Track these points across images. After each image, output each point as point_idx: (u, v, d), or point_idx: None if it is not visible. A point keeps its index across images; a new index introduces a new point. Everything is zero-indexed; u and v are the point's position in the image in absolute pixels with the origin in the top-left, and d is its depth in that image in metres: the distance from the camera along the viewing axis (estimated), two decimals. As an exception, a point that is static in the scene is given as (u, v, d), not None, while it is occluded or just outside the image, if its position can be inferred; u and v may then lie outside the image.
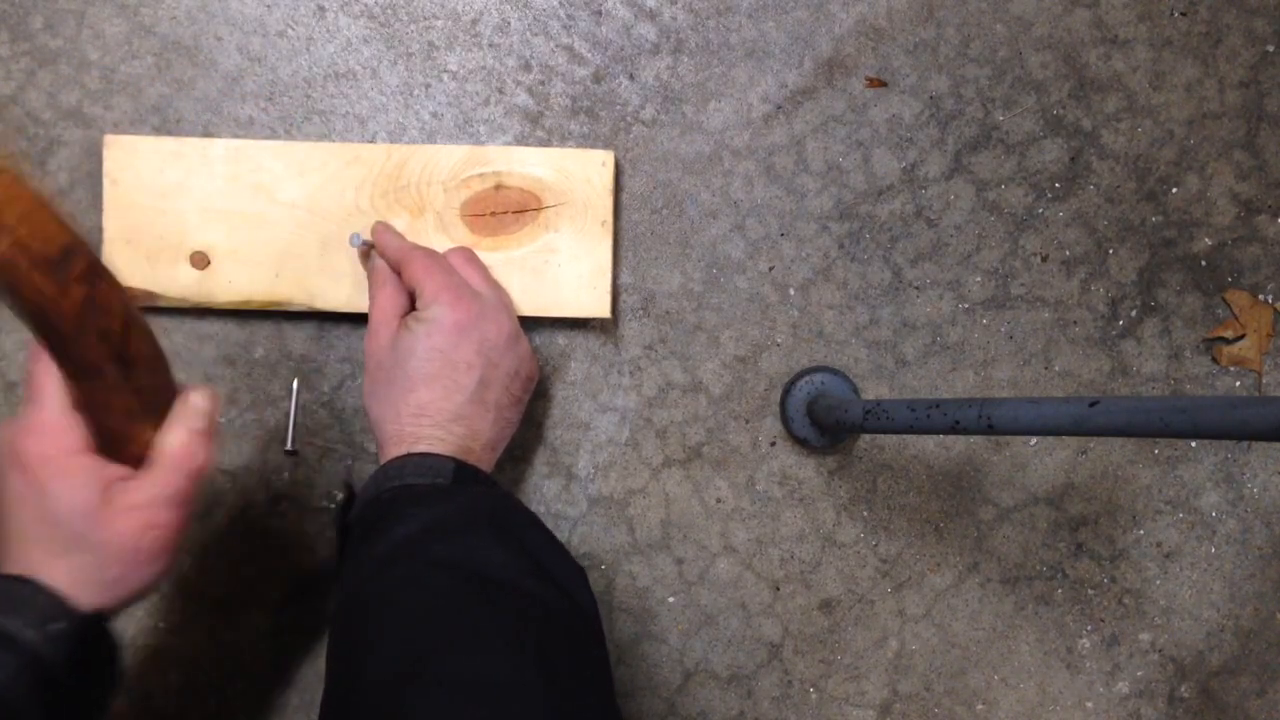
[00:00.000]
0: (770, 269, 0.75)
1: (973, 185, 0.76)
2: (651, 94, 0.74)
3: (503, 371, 0.62)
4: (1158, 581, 0.78)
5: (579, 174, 0.69)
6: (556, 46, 0.73)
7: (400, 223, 0.68)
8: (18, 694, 0.44)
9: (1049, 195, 0.76)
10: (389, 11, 0.73)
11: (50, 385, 0.49)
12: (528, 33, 0.73)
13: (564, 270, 0.70)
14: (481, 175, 0.69)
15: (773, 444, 0.75)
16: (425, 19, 0.73)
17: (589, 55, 0.74)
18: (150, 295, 0.68)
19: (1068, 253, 0.76)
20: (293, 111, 0.72)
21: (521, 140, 0.73)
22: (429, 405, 0.59)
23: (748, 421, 0.75)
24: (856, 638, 0.76)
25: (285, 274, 0.69)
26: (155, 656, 0.72)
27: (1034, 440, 0.77)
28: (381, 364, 0.62)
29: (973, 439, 0.76)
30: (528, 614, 0.48)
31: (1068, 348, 0.76)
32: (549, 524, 0.73)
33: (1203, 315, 0.77)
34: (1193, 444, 0.78)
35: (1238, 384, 0.78)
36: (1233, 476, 0.78)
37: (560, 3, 0.73)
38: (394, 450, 0.59)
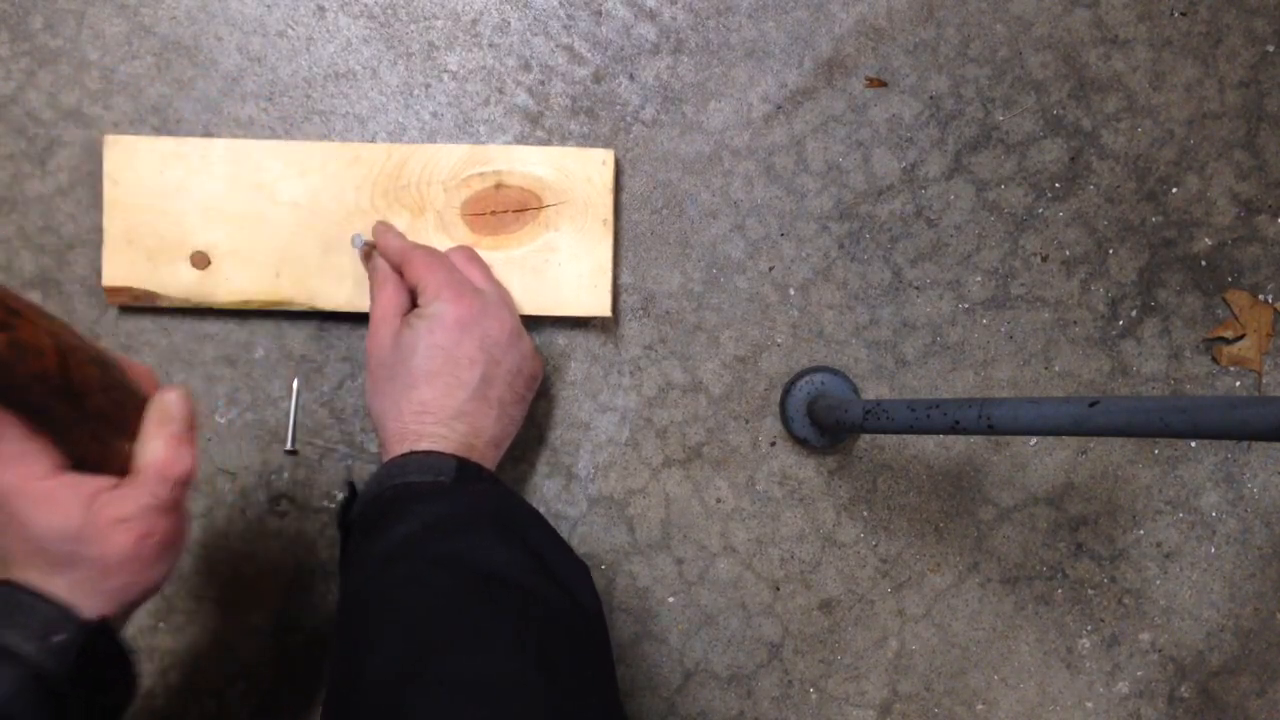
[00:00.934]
0: (770, 269, 0.75)
1: (973, 185, 0.76)
2: (651, 94, 0.74)
3: (505, 368, 0.62)
4: (1158, 581, 0.78)
5: (579, 173, 0.69)
6: (556, 46, 0.73)
7: (401, 222, 0.68)
8: (21, 709, 0.43)
9: (1049, 195, 0.76)
10: (389, 11, 0.73)
11: (1, 418, 0.46)
12: (528, 33, 0.73)
13: (564, 269, 0.69)
14: (482, 174, 0.69)
15: (773, 444, 0.75)
16: (425, 19, 0.73)
17: (589, 55, 0.74)
18: (151, 295, 0.68)
19: (1068, 253, 0.76)
20: (293, 111, 0.72)
21: (521, 140, 0.73)
22: (431, 402, 0.59)
23: (748, 421, 0.75)
24: (856, 638, 0.76)
25: (286, 274, 0.68)
26: (155, 656, 0.72)
27: (1034, 440, 0.77)
28: (383, 362, 0.61)
29: (973, 439, 0.76)
30: (530, 612, 0.47)
31: (1068, 348, 0.76)
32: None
33: (1203, 315, 0.77)
34: (1193, 444, 0.78)
35: (1238, 384, 0.78)
36: (1233, 476, 0.78)
37: (560, 3, 0.73)
38: (396, 448, 0.58)
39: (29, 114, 0.71)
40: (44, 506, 0.46)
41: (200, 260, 0.68)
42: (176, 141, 0.69)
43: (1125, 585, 0.77)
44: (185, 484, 0.50)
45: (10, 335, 0.40)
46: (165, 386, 0.52)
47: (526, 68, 0.73)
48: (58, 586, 0.47)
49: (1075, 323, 0.76)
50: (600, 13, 0.73)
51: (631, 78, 0.74)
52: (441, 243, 0.68)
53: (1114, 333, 0.77)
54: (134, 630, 0.72)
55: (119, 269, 0.68)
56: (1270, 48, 0.77)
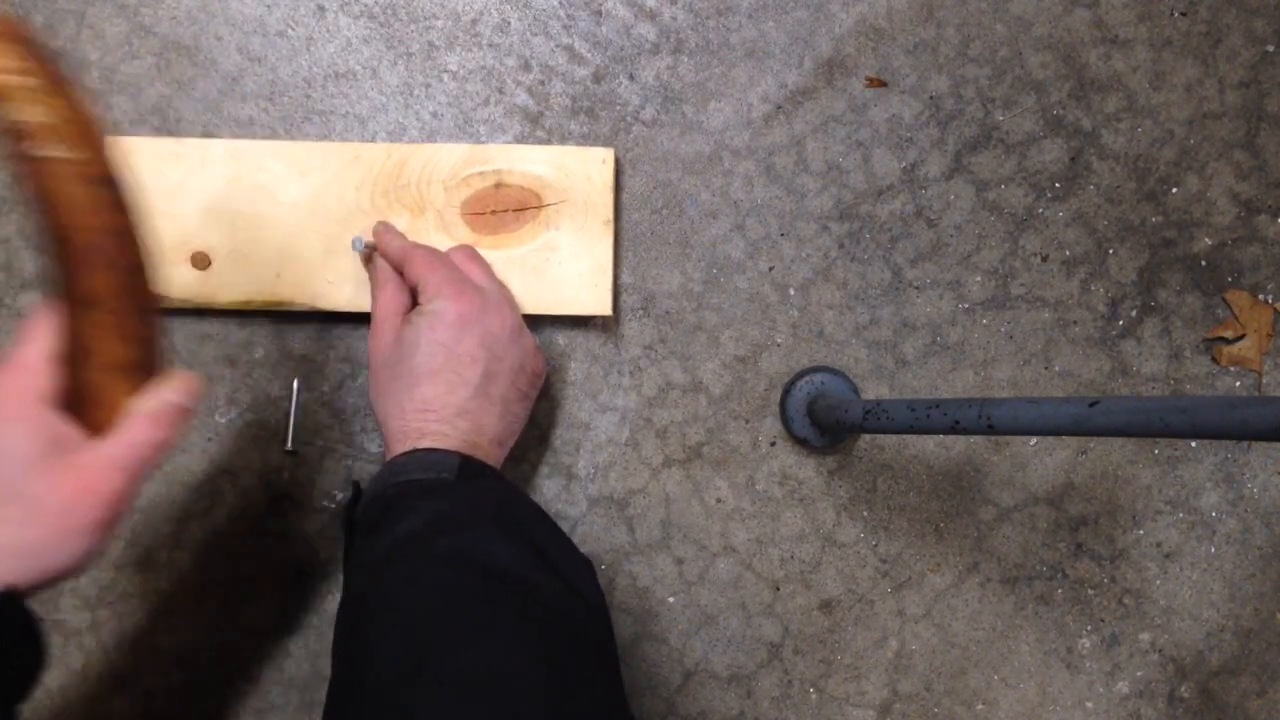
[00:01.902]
0: (770, 269, 0.75)
1: (973, 185, 0.76)
2: (651, 94, 0.74)
3: (507, 365, 0.62)
4: (1158, 581, 0.78)
5: (579, 171, 0.69)
6: (556, 46, 0.73)
7: (401, 222, 0.68)
8: None
9: (1049, 195, 0.76)
10: (389, 11, 0.73)
11: (41, 331, 0.48)
12: (528, 33, 0.73)
13: (565, 268, 0.70)
14: (482, 174, 0.69)
15: (773, 444, 0.75)
16: (425, 19, 0.73)
17: (589, 55, 0.74)
18: None
19: (1068, 253, 0.76)
20: (293, 111, 0.72)
21: (521, 140, 0.73)
22: (433, 400, 0.59)
23: (748, 421, 0.75)
24: (856, 638, 0.76)
25: (287, 274, 0.68)
26: (155, 656, 0.72)
27: (1034, 440, 0.77)
28: (385, 361, 0.61)
29: (973, 439, 0.76)
30: (531, 609, 0.47)
31: (1068, 348, 0.76)
32: (549, 524, 0.73)
33: (1203, 315, 0.77)
34: (1193, 444, 0.78)
35: (1238, 384, 0.78)
36: (1233, 476, 0.78)
37: (560, 3, 0.73)
38: (399, 446, 0.58)
39: (29, 114, 0.71)
40: (18, 424, 0.46)
41: (201, 261, 0.68)
42: (176, 142, 0.69)
43: (1125, 585, 0.77)
44: (155, 453, 0.49)
45: (124, 220, 0.48)
46: (186, 371, 0.52)
47: (526, 68, 0.73)
48: None
49: (1075, 323, 0.76)
50: (600, 13, 0.73)
51: (631, 78, 0.74)
52: (442, 242, 0.68)
53: (1114, 333, 0.77)
54: (135, 630, 0.72)
55: None
56: (1270, 48, 0.77)
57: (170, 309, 0.70)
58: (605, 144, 0.73)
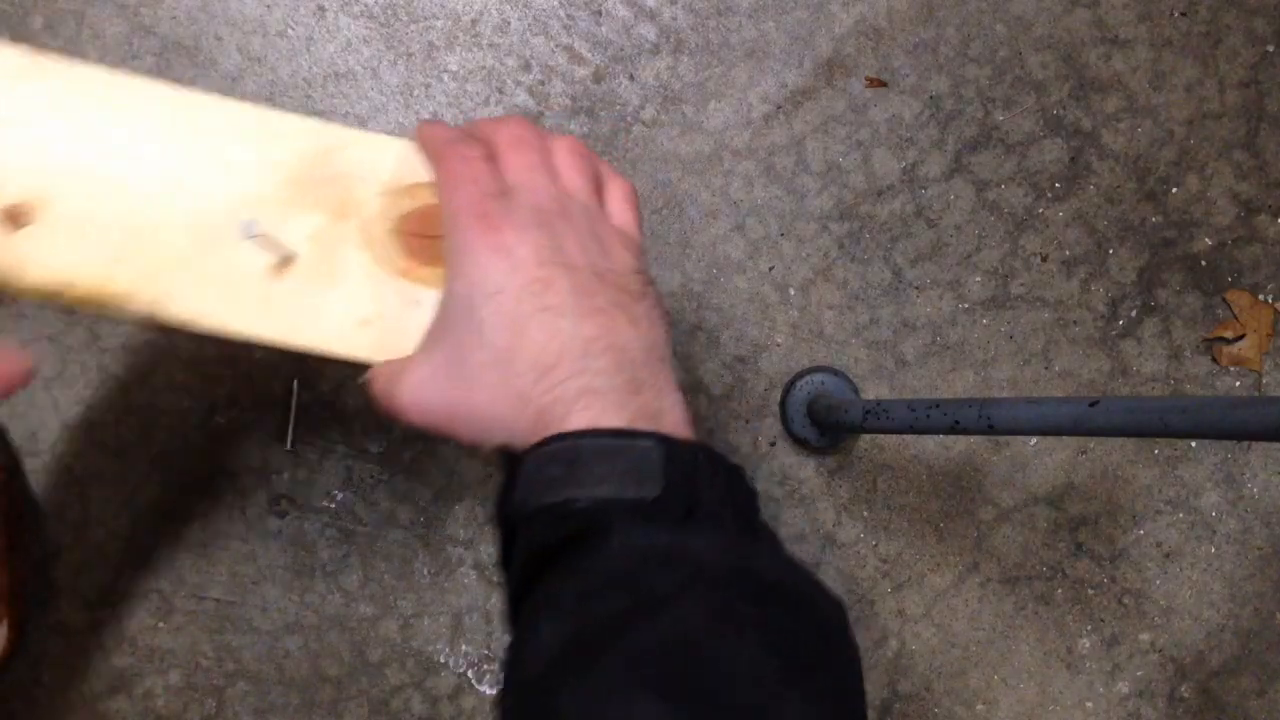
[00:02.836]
0: (770, 269, 0.75)
1: (973, 185, 0.76)
2: (651, 94, 0.74)
3: (588, 265, 0.43)
4: (1158, 581, 0.78)
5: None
6: (556, 46, 0.73)
7: (310, 224, 0.48)
8: None
9: (1049, 195, 0.76)
10: (389, 11, 0.73)
11: None
12: (528, 33, 0.73)
13: None
14: (434, 186, 0.49)
15: (773, 444, 0.75)
16: (425, 19, 0.73)
17: (589, 55, 0.74)
18: None
19: (1068, 253, 0.76)
20: (293, 112, 0.72)
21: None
22: (540, 356, 0.40)
23: (748, 421, 0.75)
24: (856, 638, 0.76)
25: (129, 260, 0.47)
26: (155, 656, 0.72)
27: (1034, 440, 0.77)
28: (442, 363, 0.43)
29: (973, 439, 0.76)
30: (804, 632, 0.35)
31: (1068, 348, 0.76)
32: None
33: (1203, 315, 0.77)
34: (1193, 444, 0.78)
35: (1238, 384, 0.78)
36: (1233, 476, 0.78)
37: (560, 3, 0.73)
38: (540, 433, 0.39)
39: (29, 114, 0.71)
40: None
41: (17, 216, 0.47)
42: (34, 54, 0.48)
43: (1125, 585, 0.77)
44: None
45: None
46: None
47: (526, 68, 0.73)
48: None
49: (1075, 323, 0.76)
50: (600, 13, 0.73)
51: (631, 78, 0.74)
52: (357, 261, 0.48)
53: (1114, 333, 0.77)
54: (135, 630, 0.72)
55: None
56: (1270, 48, 0.77)
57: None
58: (605, 144, 0.73)
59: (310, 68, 0.72)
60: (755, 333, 0.75)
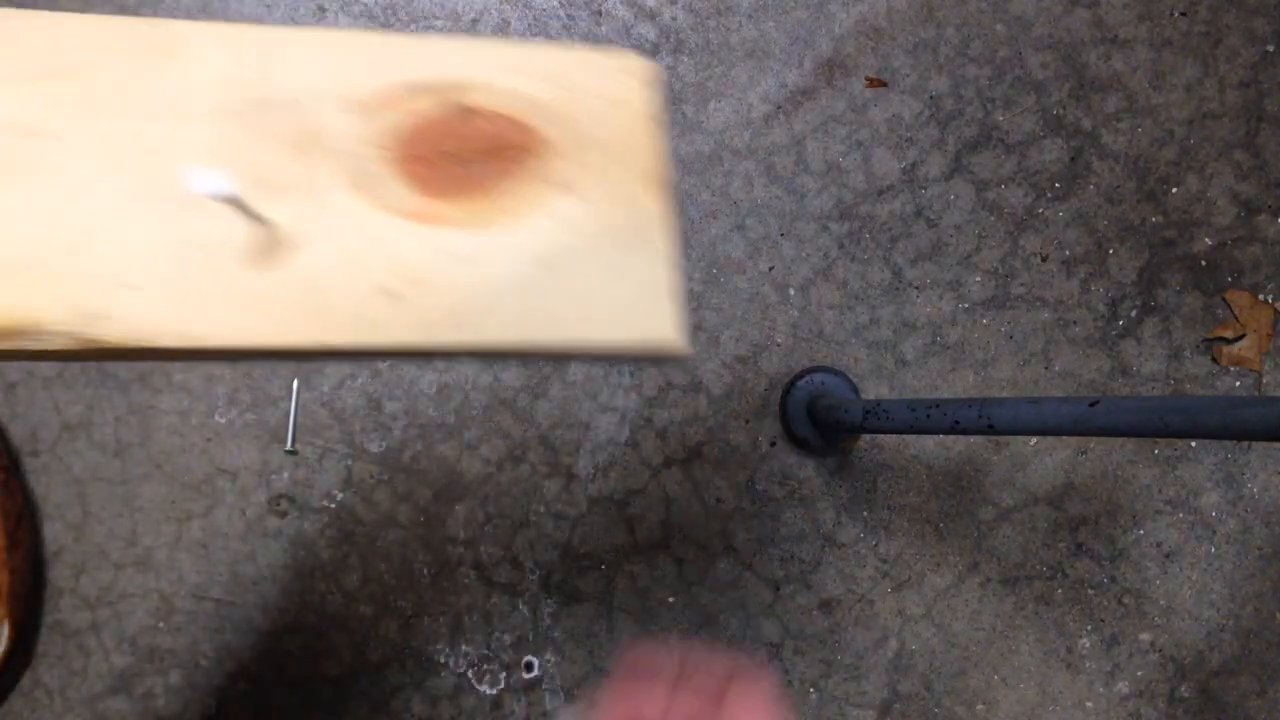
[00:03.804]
0: (770, 269, 0.75)
1: (973, 185, 0.76)
2: (651, 94, 0.74)
3: None
4: (1158, 581, 0.78)
5: (599, 91, 0.38)
6: (556, 46, 0.73)
7: (275, 170, 0.33)
8: None
9: (1049, 195, 0.76)
10: (389, 11, 0.73)
11: None
12: (527, 33, 0.73)
13: (591, 264, 0.36)
14: (430, 87, 0.36)
15: (773, 444, 0.75)
16: (425, 19, 0.73)
17: (589, 55, 0.74)
18: None
19: (1068, 253, 0.76)
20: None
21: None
22: None
23: (748, 421, 0.75)
24: (856, 638, 0.76)
25: (39, 264, 0.31)
26: (155, 656, 0.72)
27: (1034, 440, 0.77)
28: None
29: (973, 439, 0.76)
30: None
31: (1068, 348, 0.76)
32: (548, 524, 0.73)
33: (1203, 315, 0.77)
34: (1193, 444, 0.78)
35: (1238, 384, 0.78)
36: (1233, 476, 0.78)
37: (560, 3, 0.73)
38: None
39: (29, 114, 0.71)
40: None
41: None
42: None
43: (1125, 585, 0.77)
44: None
45: None
46: None
47: (526, 68, 0.73)
48: None
49: (1075, 323, 0.76)
50: (600, 13, 0.73)
51: (631, 78, 0.74)
52: (348, 211, 0.33)
53: (1114, 333, 0.77)
54: (134, 630, 0.72)
55: None
56: (1270, 48, 0.77)
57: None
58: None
59: (310, 68, 0.72)
60: (755, 333, 0.75)
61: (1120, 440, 0.77)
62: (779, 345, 0.75)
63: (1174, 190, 0.77)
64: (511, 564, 0.73)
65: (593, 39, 0.73)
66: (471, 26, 0.73)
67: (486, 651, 0.73)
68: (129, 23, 0.34)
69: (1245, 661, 0.78)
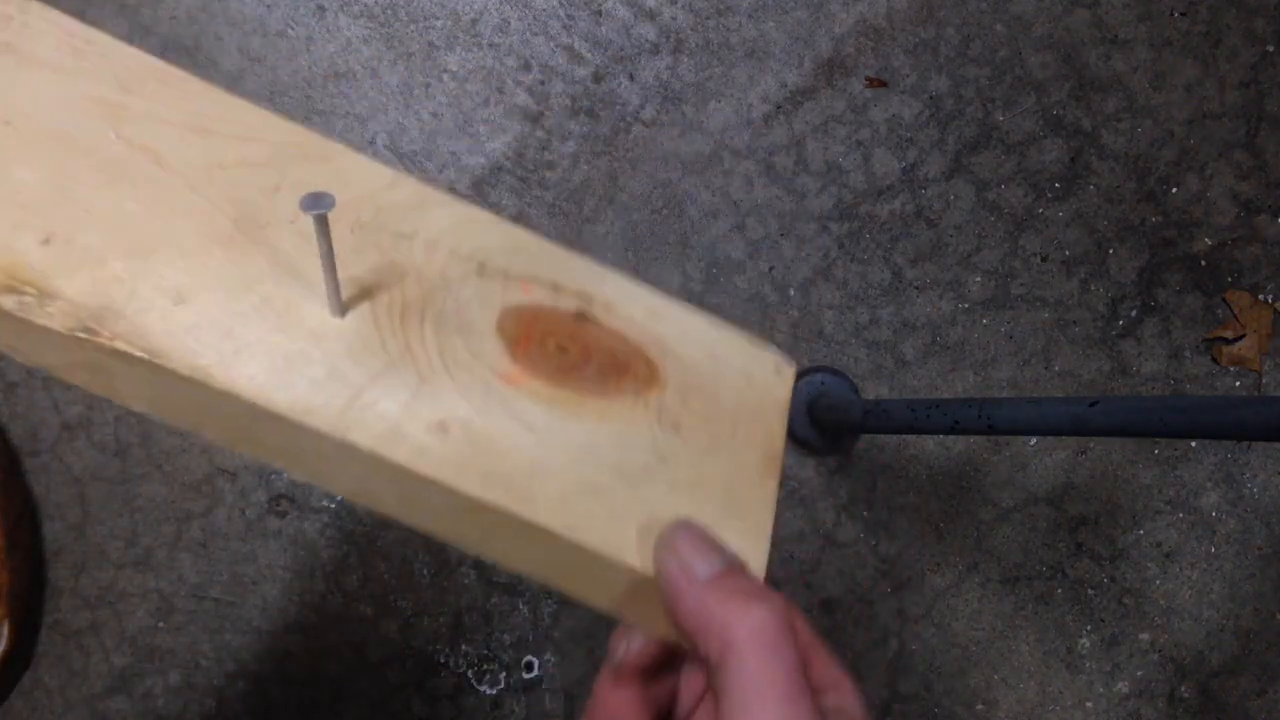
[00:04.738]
0: (770, 269, 0.75)
1: (973, 185, 0.76)
2: (651, 94, 0.74)
3: None
4: (1158, 581, 0.78)
5: (735, 365, 0.38)
6: (556, 46, 0.73)
7: (367, 277, 0.32)
8: None
9: (1049, 195, 0.76)
10: (389, 11, 0.73)
11: None
12: (528, 33, 0.73)
13: (680, 497, 0.33)
14: (555, 287, 0.36)
15: (773, 444, 0.75)
16: (425, 19, 0.73)
17: (589, 55, 0.74)
18: None
19: (1068, 253, 0.76)
20: (293, 111, 0.72)
21: (521, 140, 0.73)
22: None
23: (748, 421, 0.75)
24: (856, 638, 0.76)
25: (133, 282, 0.29)
26: (155, 656, 0.72)
27: (1034, 440, 0.77)
28: None
29: (973, 439, 0.76)
30: None
31: (1068, 348, 0.76)
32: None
33: (1203, 315, 0.77)
34: (1193, 444, 0.78)
35: (1238, 384, 0.78)
36: (1233, 476, 0.78)
37: (560, 3, 0.73)
38: None
39: (29, 114, 0.71)
40: None
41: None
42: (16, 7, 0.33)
43: (1125, 585, 0.77)
44: None
45: None
46: None
47: (526, 68, 0.73)
48: None
49: (1075, 323, 0.76)
50: (600, 13, 0.73)
51: (631, 78, 0.74)
52: (435, 343, 0.32)
53: (1114, 333, 0.77)
54: (134, 630, 0.72)
55: None
56: (1270, 48, 0.77)
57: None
58: (605, 144, 0.73)
59: (310, 67, 0.72)
60: (755, 333, 0.75)
61: (1120, 440, 0.77)
62: (779, 345, 0.75)
63: (1174, 190, 0.77)
64: (511, 564, 0.73)
65: (593, 39, 0.73)
66: (471, 27, 0.73)
67: (486, 651, 0.73)
68: (297, 129, 0.33)
69: (1245, 661, 0.78)
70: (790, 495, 0.76)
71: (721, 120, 0.74)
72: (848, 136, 0.75)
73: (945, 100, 0.75)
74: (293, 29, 0.72)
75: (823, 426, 0.71)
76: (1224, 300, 0.77)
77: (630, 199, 0.74)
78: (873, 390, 0.75)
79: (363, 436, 0.29)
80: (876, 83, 0.75)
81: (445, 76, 0.73)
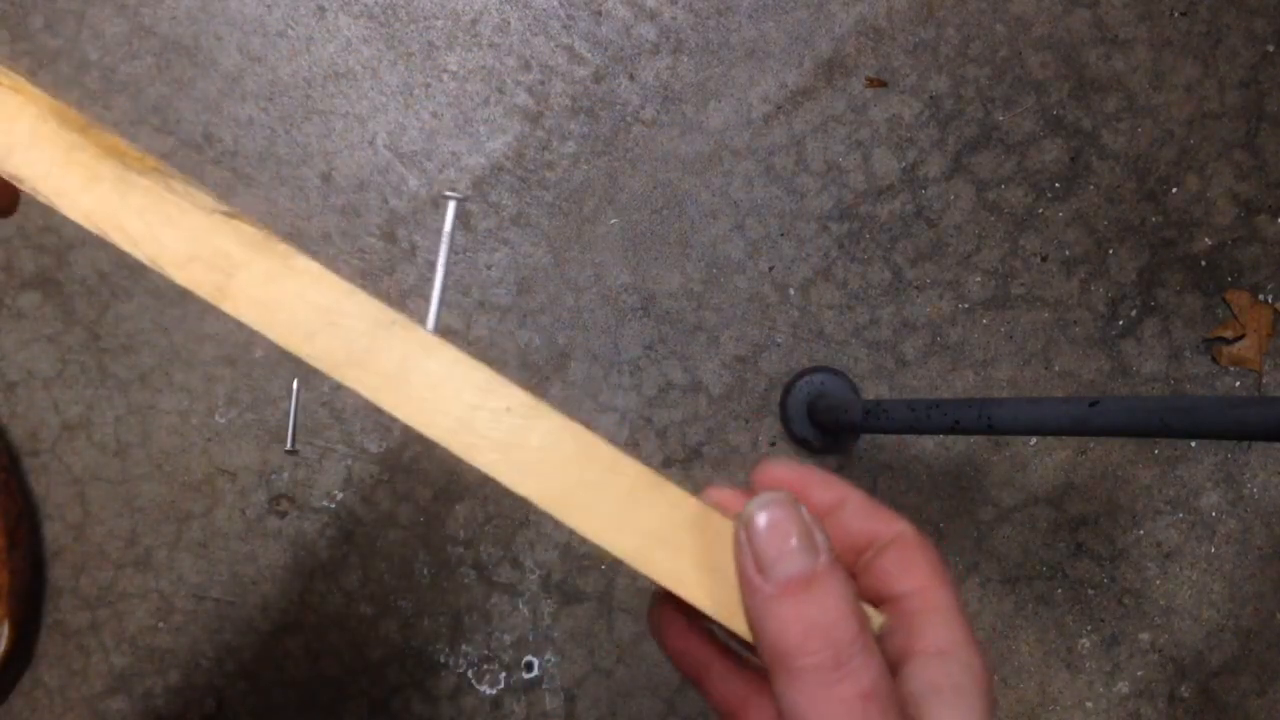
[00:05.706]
0: (770, 269, 0.75)
1: (973, 185, 0.76)
2: (651, 94, 0.74)
3: None
4: (1158, 581, 0.78)
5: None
6: (556, 46, 0.73)
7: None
8: None
9: (1049, 195, 0.76)
10: (389, 11, 0.73)
11: None
12: (528, 33, 0.73)
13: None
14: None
15: (773, 444, 0.75)
16: (425, 19, 0.73)
17: (589, 55, 0.74)
18: None
19: (1068, 253, 0.76)
20: (293, 111, 0.72)
21: (521, 140, 0.73)
22: None
23: (748, 421, 0.75)
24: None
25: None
26: (155, 656, 0.72)
27: (1034, 440, 0.77)
28: None
29: (973, 439, 0.76)
30: None
31: (1068, 348, 0.76)
32: (548, 525, 0.73)
33: (1203, 315, 0.77)
34: (1193, 444, 0.78)
35: (1238, 384, 0.78)
36: (1233, 476, 0.78)
37: (560, 3, 0.73)
38: None
39: (29, 114, 0.71)
40: None
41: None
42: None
43: (1125, 585, 0.77)
44: None
45: None
46: None
47: (526, 68, 0.73)
48: None
49: (1075, 323, 0.76)
50: (600, 13, 0.73)
51: (631, 78, 0.74)
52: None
53: (1114, 333, 0.77)
54: (134, 630, 0.72)
55: None
56: (1270, 48, 0.77)
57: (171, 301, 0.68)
58: (605, 144, 0.73)
59: (310, 67, 0.72)
60: (755, 332, 0.75)
61: (1120, 440, 0.77)
62: (779, 345, 0.75)
63: (1174, 190, 0.77)
64: (511, 564, 0.73)
65: (593, 39, 0.73)
66: (471, 26, 0.73)
67: (486, 651, 0.73)
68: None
69: (1245, 661, 0.78)
70: (790, 495, 0.75)
71: (721, 120, 0.74)
72: (848, 136, 0.75)
73: (945, 100, 0.75)
74: (293, 29, 0.72)
75: (823, 426, 0.71)
76: (1224, 300, 0.77)
77: (630, 199, 0.74)
78: (873, 390, 0.75)
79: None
80: (876, 83, 0.75)
81: (445, 76, 0.73)
